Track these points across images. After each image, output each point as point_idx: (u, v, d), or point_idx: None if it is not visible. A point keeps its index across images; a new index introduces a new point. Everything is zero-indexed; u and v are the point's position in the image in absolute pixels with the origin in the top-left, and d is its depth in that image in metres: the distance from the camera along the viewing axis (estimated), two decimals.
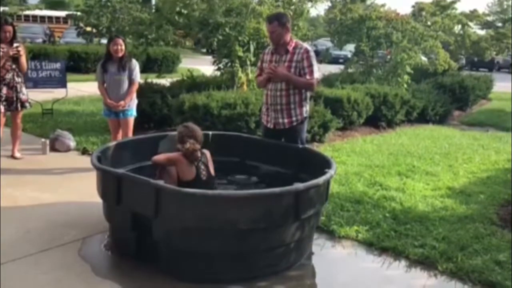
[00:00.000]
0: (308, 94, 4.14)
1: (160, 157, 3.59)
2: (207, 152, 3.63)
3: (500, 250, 3.65)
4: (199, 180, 3.44)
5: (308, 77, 3.91)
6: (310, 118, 5.95)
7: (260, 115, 4.63)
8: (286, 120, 4.05)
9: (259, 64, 4.34)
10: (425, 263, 3.48)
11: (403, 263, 3.52)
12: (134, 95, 5.29)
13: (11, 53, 5.22)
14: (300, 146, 4.05)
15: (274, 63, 4.01)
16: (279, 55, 4.01)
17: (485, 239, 3.85)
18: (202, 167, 3.51)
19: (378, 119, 8.69)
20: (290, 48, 3.96)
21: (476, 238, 3.86)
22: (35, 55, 12.69)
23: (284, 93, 3.99)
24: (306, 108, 4.12)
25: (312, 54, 3.96)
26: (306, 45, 4.03)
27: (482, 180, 5.61)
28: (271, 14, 4.74)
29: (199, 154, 3.50)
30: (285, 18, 4.02)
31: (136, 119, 5.40)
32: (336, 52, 21.88)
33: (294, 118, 4.05)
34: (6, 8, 24.34)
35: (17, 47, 5.28)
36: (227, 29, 7.12)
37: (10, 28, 5.25)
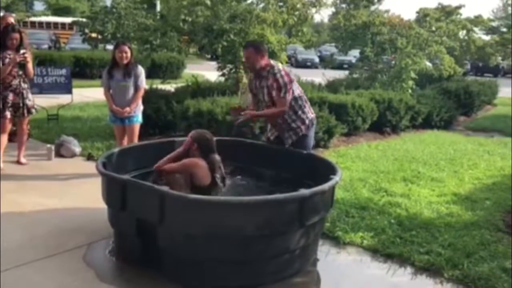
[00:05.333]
0: (303, 100, 4.12)
1: (172, 165, 3.51)
2: (219, 158, 3.65)
3: (507, 257, 3.62)
4: (214, 185, 3.45)
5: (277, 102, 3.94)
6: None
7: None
8: (291, 133, 4.08)
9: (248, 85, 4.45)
10: (431, 270, 3.46)
11: (409, 270, 3.50)
12: (140, 101, 5.30)
13: (18, 59, 5.26)
14: (305, 152, 4.05)
15: (256, 88, 4.10)
16: (259, 80, 4.06)
17: (491, 246, 3.83)
18: (219, 173, 3.54)
19: (383, 124, 8.68)
20: (265, 73, 3.98)
21: (482, 245, 3.83)
22: (41, 61, 12.77)
23: None
24: (307, 115, 4.10)
25: (278, 75, 3.91)
26: (277, 66, 4.01)
27: (487, 186, 5.58)
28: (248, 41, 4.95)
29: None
30: (261, 46, 4.12)
31: (141, 125, 5.42)
32: (340, 58, 21.87)
33: (298, 130, 4.07)
34: (13, 15, 24.60)
35: (24, 53, 5.31)
36: (231, 35, 7.15)
37: (17, 35, 5.28)
